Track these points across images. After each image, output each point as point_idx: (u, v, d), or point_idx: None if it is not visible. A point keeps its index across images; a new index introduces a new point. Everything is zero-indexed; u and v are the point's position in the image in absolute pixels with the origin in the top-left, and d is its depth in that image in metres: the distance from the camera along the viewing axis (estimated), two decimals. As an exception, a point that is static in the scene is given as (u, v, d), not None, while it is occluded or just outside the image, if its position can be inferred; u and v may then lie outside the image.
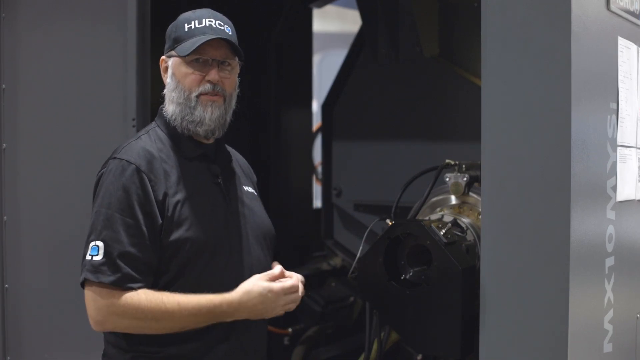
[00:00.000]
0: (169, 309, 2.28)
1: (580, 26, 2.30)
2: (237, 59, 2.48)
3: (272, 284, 2.36)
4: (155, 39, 3.08)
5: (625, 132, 2.62)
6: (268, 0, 4.80)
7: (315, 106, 5.93)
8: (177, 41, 2.44)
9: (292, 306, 2.41)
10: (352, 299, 4.41)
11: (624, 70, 2.61)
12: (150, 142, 2.44)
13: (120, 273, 2.27)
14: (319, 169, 5.23)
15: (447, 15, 3.93)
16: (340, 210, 4.39)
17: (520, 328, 2.33)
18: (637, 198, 2.75)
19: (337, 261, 4.62)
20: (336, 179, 4.38)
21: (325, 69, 8.34)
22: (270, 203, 4.43)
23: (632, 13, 2.66)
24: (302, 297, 2.46)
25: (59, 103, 3.32)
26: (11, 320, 3.41)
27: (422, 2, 3.94)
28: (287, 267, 2.49)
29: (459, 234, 2.82)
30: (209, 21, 2.44)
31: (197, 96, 2.42)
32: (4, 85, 3.42)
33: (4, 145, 3.42)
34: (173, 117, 2.45)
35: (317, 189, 5.67)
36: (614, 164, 2.54)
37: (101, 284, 2.27)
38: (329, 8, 5.93)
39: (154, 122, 2.53)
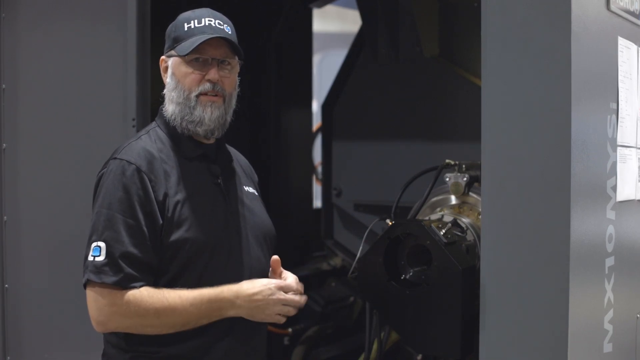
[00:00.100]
0: (170, 303, 2.28)
1: (580, 26, 2.30)
2: (236, 58, 2.48)
3: (274, 280, 2.39)
4: (155, 39, 3.08)
5: (625, 132, 2.62)
6: (268, 0, 4.80)
7: (315, 106, 5.93)
8: (176, 41, 2.44)
9: (291, 310, 2.40)
10: (352, 299, 4.41)
11: (624, 70, 2.61)
12: (151, 142, 2.44)
13: (123, 273, 2.27)
14: (319, 169, 5.23)
15: (447, 15, 3.93)
16: (340, 210, 4.39)
17: (520, 328, 2.33)
18: (637, 198, 2.75)
19: (337, 261, 4.62)
20: (336, 179, 4.38)
21: (325, 69, 8.34)
22: (270, 203, 4.43)
23: (632, 13, 2.66)
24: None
25: (59, 103, 3.32)
26: (11, 320, 3.41)
27: (422, 2, 3.94)
28: (287, 267, 2.49)
29: (459, 234, 2.82)
30: (209, 20, 2.44)
31: (197, 96, 2.41)
32: (4, 85, 3.42)
33: (4, 145, 3.42)
34: (173, 117, 2.45)
35: (317, 189, 5.67)
36: (614, 164, 2.54)
37: (104, 285, 2.27)
38: (329, 8, 5.93)
39: (154, 122, 2.53)
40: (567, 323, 2.25)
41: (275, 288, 2.36)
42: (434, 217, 2.96)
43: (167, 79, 2.47)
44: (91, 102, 3.25)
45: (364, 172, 4.21)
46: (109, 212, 2.31)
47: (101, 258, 2.28)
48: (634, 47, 2.68)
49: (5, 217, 3.42)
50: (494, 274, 2.37)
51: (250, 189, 2.60)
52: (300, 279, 2.49)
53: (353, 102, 4.32)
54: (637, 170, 2.75)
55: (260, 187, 2.73)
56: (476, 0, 3.29)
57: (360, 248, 3.03)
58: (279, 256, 2.47)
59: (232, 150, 2.65)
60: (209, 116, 2.42)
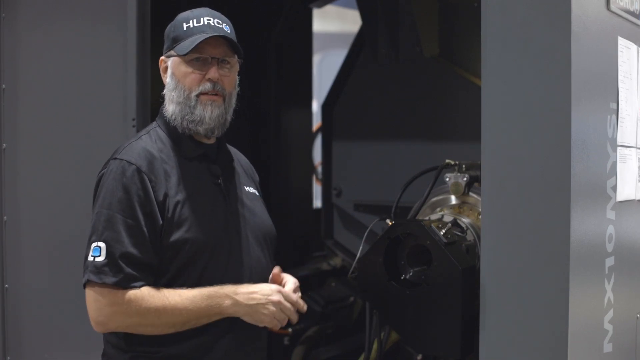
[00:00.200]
0: (171, 302, 2.29)
1: (580, 26, 2.30)
2: (236, 57, 2.48)
3: (276, 285, 2.41)
4: (155, 39, 3.07)
5: (625, 132, 2.62)
6: (268, 0, 4.80)
7: (315, 106, 5.94)
8: (175, 40, 2.44)
9: (285, 319, 2.39)
10: (352, 299, 4.41)
11: (624, 70, 2.61)
12: (151, 142, 2.44)
13: (123, 274, 2.27)
14: (319, 169, 5.23)
15: (447, 15, 3.93)
16: (340, 210, 4.39)
17: (520, 328, 2.33)
18: (637, 198, 2.75)
19: (337, 261, 4.62)
20: (336, 179, 4.38)
21: (325, 69, 8.34)
22: (270, 203, 4.43)
23: (632, 13, 2.66)
24: (302, 297, 2.46)
25: (59, 103, 3.32)
26: (11, 320, 3.41)
27: (422, 2, 3.94)
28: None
29: (459, 234, 2.82)
30: (208, 20, 2.44)
31: (197, 95, 2.42)
32: (4, 85, 3.42)
33: (4, 145, 3.42)
34: (173, 117, 2.45)
35: (317, 189, 5.67)
36: (614, 164, 2.54)
37: (104, 285, 2.27)
38: (329, 8, 5.93)
39: (154, 122, 2.53)
40: (567, 323, 2.25)
41: (276, 291, 2.37)
42: (434, 217, 2.96)
43: (167, 79, 2.47)
44: (91, 102, 3.25)
45: (364, 172, 4.21)
46: (109, 212, 2.31)
47: (101, 258, 2.28)
48: (634, 47, 2.68)
49: (5, 217, 3.42)
50: (494, 274, 2.37)
51: (251, 189, 2.60)
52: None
53: (353, 102, 4.32)
54: (637, 170, 2.74)
55: (261, 187, 2.73)
56: (476, 0, 3.29)
57: (360, 248, 3.03)
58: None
59: (233, 150, 2.65)
60: (210, 115, 2.42)
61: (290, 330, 4.30)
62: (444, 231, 2.70)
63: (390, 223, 2.81)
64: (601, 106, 2.47)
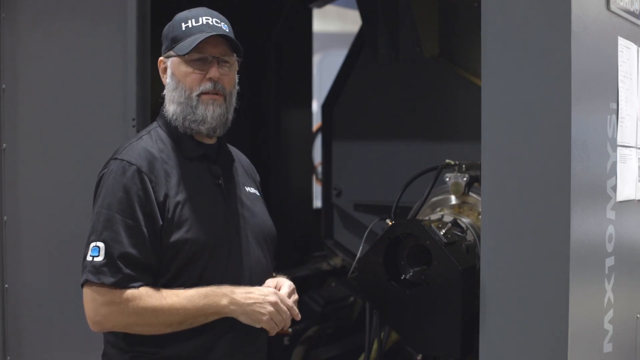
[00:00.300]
0: (168, 301, 2.28)
1: (580, 26, 2.30)
2: (235, 55, 2.48)
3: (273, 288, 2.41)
4: (155, 39, 3.07)
5: (625, 132, 2.62)
6: (268, 0, 4.80)
7: (315, 106, 5.94)
8: (175, 41, 2.44)
9: (280, 322, 2.39)
10: (352, 299, 4.41)
11: (624, 70, 2.61)
12: (152, 142, 2.44)
13: (121, 274, 2.27)
14: (319, 169, 5.23)
15: (447, 15, 3.93)
16: (340, 210, 4.39)
17: (520, 328, 2.33)
18: (637, 198, 2.75)
19: (337, 261, 4.62)
20: (336, 179, 4.38)
21: (325, 69, 8.34)
22: (270, 203, 4.43)
23: (632, 13, 2.66)
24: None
25: (59, 103, 3.32)
26: (11, 320, 3.41)
27: (422, 2, 3.94)
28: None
29: (459, 234, 2.82)
30: (206, 19, 2.44)
31: (198, 95, 2.41)
32: (4, 85, 3.42)
33: (4, 145, 3.42)
34: (174, 117, 2.44)
35: (317, 189, 5.67)
36: (614, 164, 2.54)
37: (102, 285, 2.27)
38: (329, 8, 5.93)
39: (155, 122, 2.53)
40: (567, 323, 2.25)
41: (273, 292, 2.37)
42: (434, 217, 2.96)
43: (167, 80, 2.47)
44: (91, 102, 3.25)
45: (364, 172, 4.21)
46: (108, 212, 2.30)
47: (100, 258, 2.27)
48: (634, 47, 2.68)
49: (5, 217, 3.42)
50: (494, 274, 2.37)
51: (252, 190, 2.60)
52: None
53: (353, 102, 4.32)
54: (637, 170, 2.75)
55: (261, 187, 2.73)
56: (476, 0, 3.29)
57: (360, 248, 3.03)
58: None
59: (234, 150, 2.65)
60: (212, 114, 2.42)
61: (290, 330, 4.30)
62: (444, 231, 2.70)
63: (390, 223, 2.81)
64: (601, 106, 2.47)
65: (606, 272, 2.50)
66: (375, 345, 2.96)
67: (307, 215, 5.16)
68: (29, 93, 3.39)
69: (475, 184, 2.95)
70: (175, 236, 2.33)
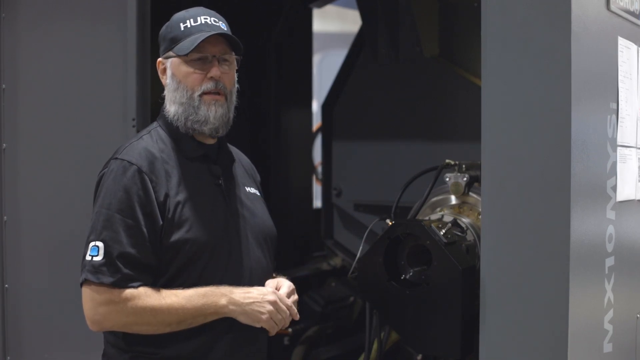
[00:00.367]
0: (167, 301, 2.28)
1: (580, 26, 2.30)
2: (234, 54, 2.48)
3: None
4: (155, 39, 3.07)
5: (625, 132, 2.62)
6: (268, 0, 4.80)
7: (315, 106, 5.94)
8: (174, 41, 2.44)
9: (279, 322, 2.38)
10: (352, 299, 4.41)
11: (624, 70, 2.61)
12: (152, 142, 2.43)
13: (120, 274, 2.27)
14: (319, 169, 5.23)
15: (447, 15, 3.93)
16: (340, 210, 4.39)
17: (520, 328, 2.33)
18: (637, 198, 2.75)
19: (337, 261, 4.62)
20: (336, 179, 4.38)
21: (325, 69, 8.34)
22: (270, 203, 4.43)
23: (632, 13, 2.66)
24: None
25: (59, 103, 3.32)
26: (11, 320, 3.41)
27: (422, 2, 3.94)
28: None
29: (459, 234, 2.82)
30: (204, 18, 2.43)
31: (200, 95, 2.41)
32: (4, 85, 3.42)
33: (4, 145, 3.42)
34: (175, 118, 2.44)
35: (317, 189, 5.67)
36: (614, 164, 2.54)
37: (101, 284, 2.27)
38: (329, 8, 5.93)
39: (155, 122, 2.52)
40: (567, 323, 2.25)
41: (272, 291, 2.37)
42: (434, 217, 2.96)
43: (167, 80, 2.47)
44: (91, 102, 3.25)
45: (364, 172, 4.21)
46: (108, 212, 2.30)
47: (99, 258, 2.27)
48: (634, 47, 2.68)
49: (5, 217, 3.42)
50: (494, 274, 2.37)
51: (252, 190, 2.60)
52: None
53: (353, 102, 4.32)
54: (637, 170, 2.75)
55: (261, 187, 2.73)
56: (476, 0, 3.29)
57: (360, 248, 3.03)
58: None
59: (235, 150, 2.65)
60: (214, 115, 2.41)
61: (290, 330, 4.30)
62: (444, 231, 2.70)
63: (390, 223, 2.81)
64: (601, 106, 2.47)
65: (606, 272, 2.50)
66: (375, 345, 2.96)
67: (307, 215, 5.16)
68: (29, 93, 3.39)
69: (475, 184, 2.95)
70: (176, 236, 2.33)
